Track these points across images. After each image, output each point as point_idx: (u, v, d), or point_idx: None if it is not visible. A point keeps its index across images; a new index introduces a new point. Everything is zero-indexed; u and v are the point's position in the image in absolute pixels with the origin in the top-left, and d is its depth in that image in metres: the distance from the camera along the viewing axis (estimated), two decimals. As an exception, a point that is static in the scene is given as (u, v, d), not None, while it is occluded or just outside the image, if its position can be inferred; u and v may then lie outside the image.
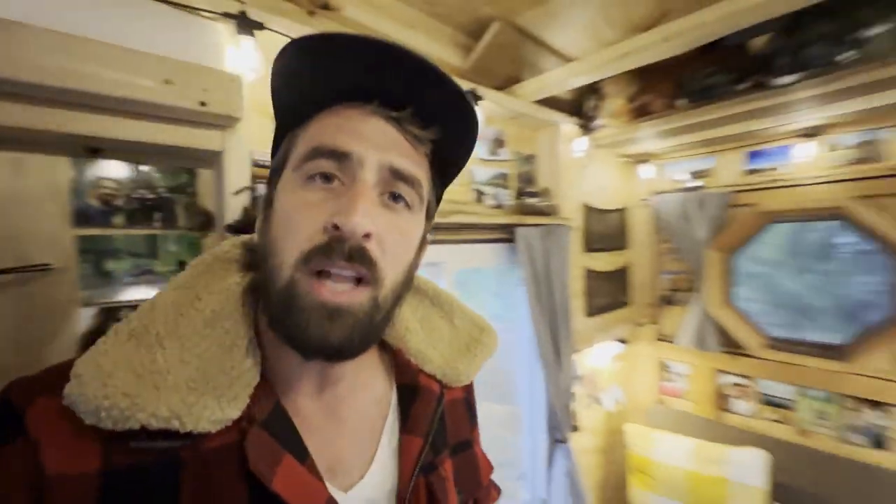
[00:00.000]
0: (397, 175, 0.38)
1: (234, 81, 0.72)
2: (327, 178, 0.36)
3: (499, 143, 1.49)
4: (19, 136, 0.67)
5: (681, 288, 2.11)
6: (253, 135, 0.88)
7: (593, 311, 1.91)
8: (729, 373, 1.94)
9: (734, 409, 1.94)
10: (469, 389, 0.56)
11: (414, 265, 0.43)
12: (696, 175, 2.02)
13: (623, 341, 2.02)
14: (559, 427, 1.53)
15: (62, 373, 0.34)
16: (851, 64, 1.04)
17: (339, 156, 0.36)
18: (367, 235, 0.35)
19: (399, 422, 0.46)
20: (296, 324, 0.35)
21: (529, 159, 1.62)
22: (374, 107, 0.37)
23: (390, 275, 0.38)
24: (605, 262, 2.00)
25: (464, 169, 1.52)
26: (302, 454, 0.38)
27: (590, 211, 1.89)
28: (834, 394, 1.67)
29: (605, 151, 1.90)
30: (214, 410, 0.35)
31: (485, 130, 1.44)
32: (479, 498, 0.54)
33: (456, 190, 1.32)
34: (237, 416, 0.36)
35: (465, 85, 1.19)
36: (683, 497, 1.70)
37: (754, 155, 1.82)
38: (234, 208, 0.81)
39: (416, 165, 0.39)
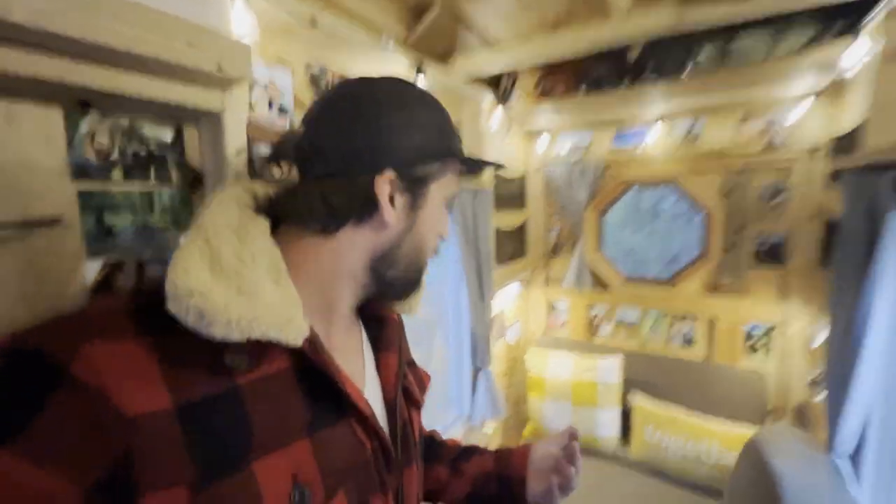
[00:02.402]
0: None
1: (245, 49, 0.77)
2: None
3: (432, 113, 1.67)
4: (9, 85, 0.64)
5: (564, 241, 2.60)
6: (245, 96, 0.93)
7: (500, 262, 2.27)
8: (597, 304, 2.52)
9: (600, 332, 2.54)
10: (402, 320, 0.70)
11: None
12: (578, 149, 2.48)
13: (522, 286, 2.44)
14: (481, 357, 1.87)
15: (95, 317, 0.36)
16: (689, 74, 1.47)
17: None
18: None
19: (371, 344, 0.58)
20: (419, 283, 0.56)
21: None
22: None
23: None
24: (508, 220, 2.37)
25: None
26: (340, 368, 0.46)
27: (498, 177, 2.21)
28: (663, 313, 2.33)
29: (512, 125, 2.20)
30: (302, 327, 0.40)
31: (422, 101, 1.59)
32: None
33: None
34: (308, 335, 0.41)
35: (409, 57, 1.33)
36: (568, 398, 2.23)
37: (619, 135, 2.33)
38: (234, 166, 0.86)
39: None
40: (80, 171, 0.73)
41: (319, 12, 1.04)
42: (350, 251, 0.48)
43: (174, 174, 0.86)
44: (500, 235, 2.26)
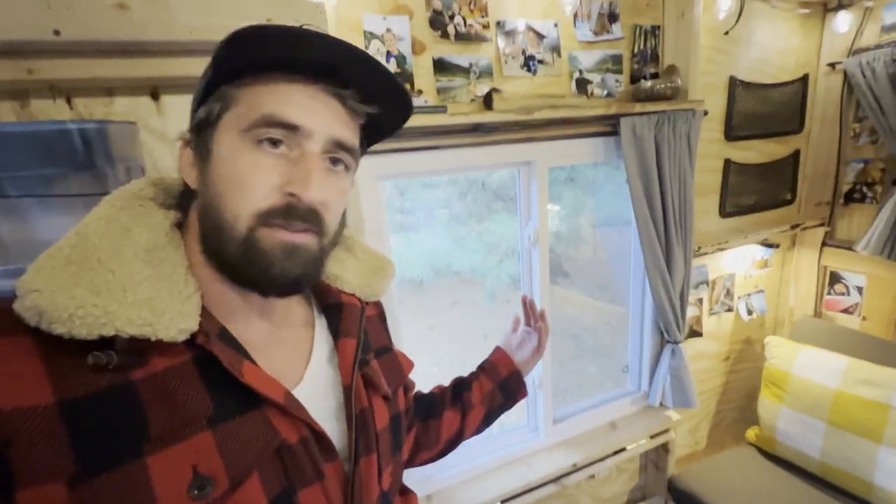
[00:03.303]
0: (339, 145, 0.44)
1: (320, 8, 0.83)
2: (275, 143, 0.41)
3: (610, 17, 1.30)
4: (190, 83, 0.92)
5: (873, 181, 1.64)
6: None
7: (732, 210, 1.66)
8: (929, 288, 1.53)
9: (928, 331, 1.55)
10: (380, 307, 0.67)
11: (344, 213, 0.52)
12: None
13: (770, 245, 1.73)
14: (668, 328, 1.49)
15: None
16: None
17: (291, 127, 0.41)
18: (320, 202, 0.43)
19: (330, 333, 0.55)
20: (260, 267, 0.41)
21: (653, 32, 1.38)
22: (323, 85, 0.43)
23: (331, 225, 0.46)
24: (758, 151, 1.67)
25: (561, 56, 1.42)
26: (253, 363, 0.43)
27: (739, 88, 1.55)
28: None
29: (767, 5, 1.46)
30: (180, 321, 0.38)
31: (591, 4, 1.27)
32: (406, 386, 0.71)
33: (551, 81, 1.25)
34: (196, 329, 0.40)
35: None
36: (823, 415, 1.53)
37: None
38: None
39: (353, 135, 0.46)
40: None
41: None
42: (193, 231, 0.45)
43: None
44: (739, 173, 1.63)
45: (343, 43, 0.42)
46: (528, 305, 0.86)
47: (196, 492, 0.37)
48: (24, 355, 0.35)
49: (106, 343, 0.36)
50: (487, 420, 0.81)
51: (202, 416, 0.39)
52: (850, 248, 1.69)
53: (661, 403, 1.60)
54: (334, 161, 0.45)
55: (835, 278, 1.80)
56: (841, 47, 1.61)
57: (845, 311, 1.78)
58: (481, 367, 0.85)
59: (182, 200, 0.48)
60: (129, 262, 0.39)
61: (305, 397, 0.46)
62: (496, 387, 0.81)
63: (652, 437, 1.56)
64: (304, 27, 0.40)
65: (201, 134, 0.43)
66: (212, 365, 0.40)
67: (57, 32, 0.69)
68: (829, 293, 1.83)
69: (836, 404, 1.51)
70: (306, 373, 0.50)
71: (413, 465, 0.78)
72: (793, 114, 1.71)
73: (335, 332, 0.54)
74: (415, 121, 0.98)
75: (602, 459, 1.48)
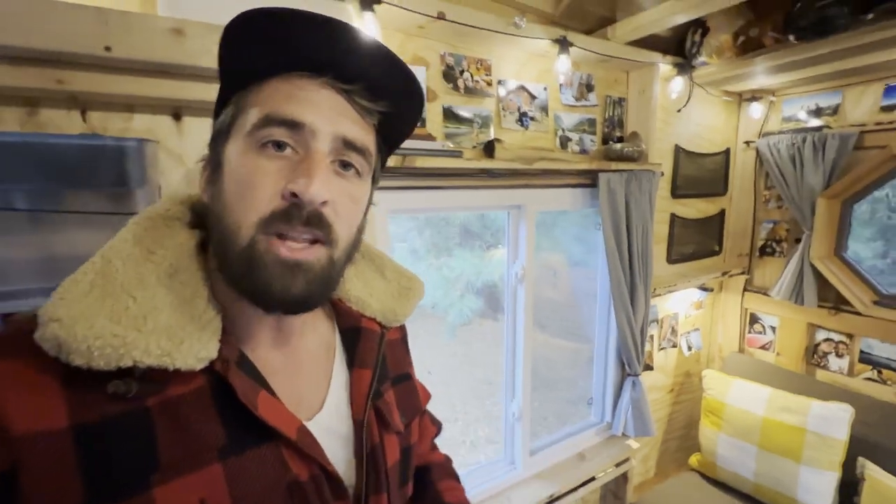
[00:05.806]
0: (348, 145, 0.41)
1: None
2: (279, 145, 0.38)
3: (587, 87, 1.51)
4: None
5: (781, 238, 1.98)
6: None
7: (676, 257, 1.91)
8: (825, 328, 1.85)
9: (826, 365, 1.87)
10: (404, 331, 0.63)
11: (362, 227, 0.47)
12: (817, 113, 1.81)
13: (706, 289, 2.00)
14: (630, 363, 1.65)
15: (4, 337, 0.35)
16: None
17: (293, 125, 0.38)
18: (323, 203, 0.39)
19: (346, 360, 0.52)
20: (259, 280, 0.38)
21: (619, 103, 1.61)
22: (327, 79, 0.40)
23: (343, 236, 0.42)
24: (695, 209, 1.96)
25: (548, 115, 1.57)
26: (270, 391, 0.42)
27: (682, 155, 1.83)
28: (952, 357, 1.54)
29: (704, 91, 1.78)
30: (199, 349, 0.37)
31: (573, 75, 1.46)
32: (422, 422, 0.65)
33: (539, 136, 1.40)
34: (215, 356, 0.38)
35: (553, 32, 1.23)
36: (754, 440, 1.75)
37: (894, 89, 1.59)
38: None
39: (365, 135, 0.42)
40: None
41: (450, 5, 1.07)
42: (212, 248, 0.44)
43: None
44: (681, 226, 1.89)
45: (344, 31, 0.38)
46: None
47: None
48: (45, 378, 0.34)
49: (125, 371, 0.35)
50: None
51: (213, 447, 0.37)
52: (765, 294, 2.00)
53: (623, 433, 1.73)
54: (344, 165, 0.41)
55: (754, 319, 2.11)
56: (754, 129, 1.99)
57: (763, 347, 2.08)
58: None
59: (204, 219, 0.45)
60: (151, 287, 0.38)
61: (323, 429, 0.44)
62: None
63: (617, 465, 1.66)
64: (298, 10, 0.38)
65: (216, 147, 0.42)
66: (227, 393, 0.39)
67: (108, 49, 0.68)
68: (749, 332, 2.13)
69: (764, 429, 1.74)
70: (327, 400, 0.48)
71: None
72: (719, 179, 2.04)
73: (351, 360, 0.51)
74: (434, 162, 1.05)
75: (575, 489, 1.55)
